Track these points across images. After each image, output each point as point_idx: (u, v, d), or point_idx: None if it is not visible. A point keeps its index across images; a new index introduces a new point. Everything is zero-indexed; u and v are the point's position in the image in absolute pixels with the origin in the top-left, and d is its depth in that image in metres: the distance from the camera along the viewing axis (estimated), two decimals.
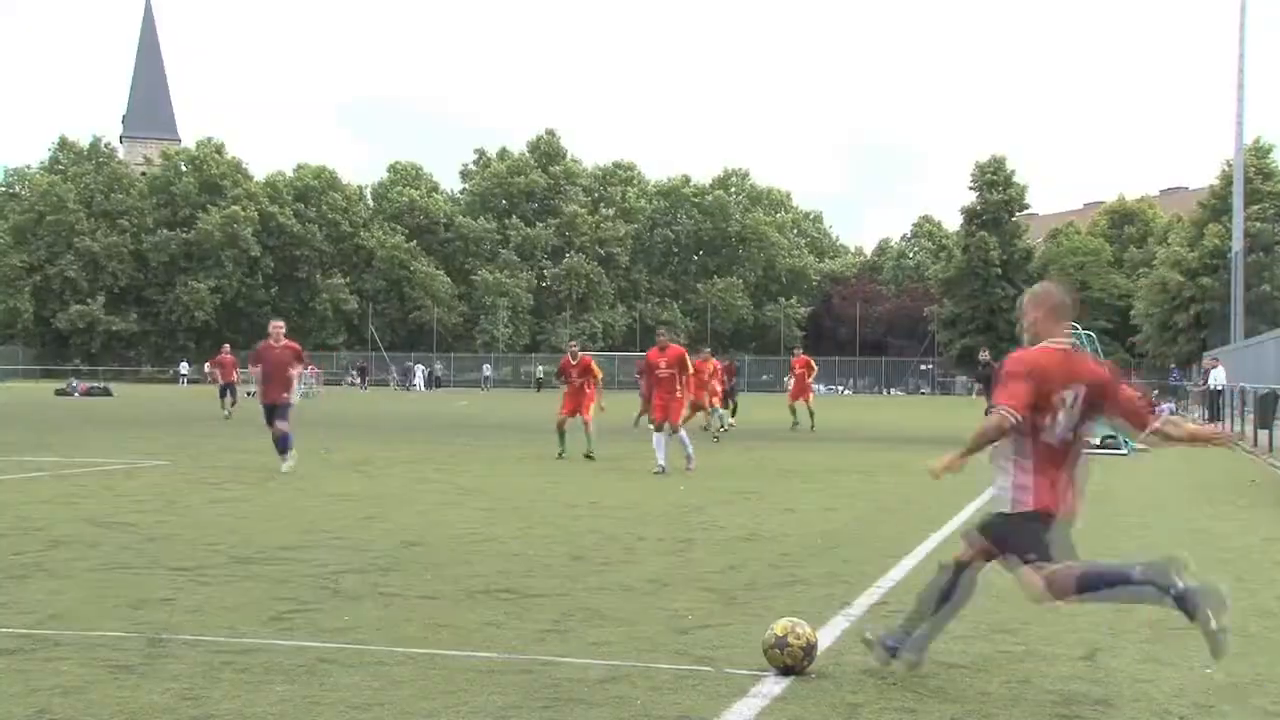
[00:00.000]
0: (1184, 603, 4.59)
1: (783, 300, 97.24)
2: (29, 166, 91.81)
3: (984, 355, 27.11)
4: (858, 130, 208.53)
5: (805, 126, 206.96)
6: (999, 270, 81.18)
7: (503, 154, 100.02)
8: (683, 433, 15.94)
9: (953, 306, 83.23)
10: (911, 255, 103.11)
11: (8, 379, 73.63)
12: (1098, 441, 20.97)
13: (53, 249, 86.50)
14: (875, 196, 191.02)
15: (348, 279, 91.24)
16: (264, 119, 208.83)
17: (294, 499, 11.88)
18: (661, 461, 15.20)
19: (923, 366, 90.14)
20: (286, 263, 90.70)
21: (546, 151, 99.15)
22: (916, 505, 12.30)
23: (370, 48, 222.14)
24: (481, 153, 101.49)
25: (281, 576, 7.38)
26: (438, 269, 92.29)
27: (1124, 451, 19.96)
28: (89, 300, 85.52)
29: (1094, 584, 4.87)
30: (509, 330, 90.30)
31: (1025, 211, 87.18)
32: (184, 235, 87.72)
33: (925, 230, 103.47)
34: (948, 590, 5.19)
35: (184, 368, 78.18)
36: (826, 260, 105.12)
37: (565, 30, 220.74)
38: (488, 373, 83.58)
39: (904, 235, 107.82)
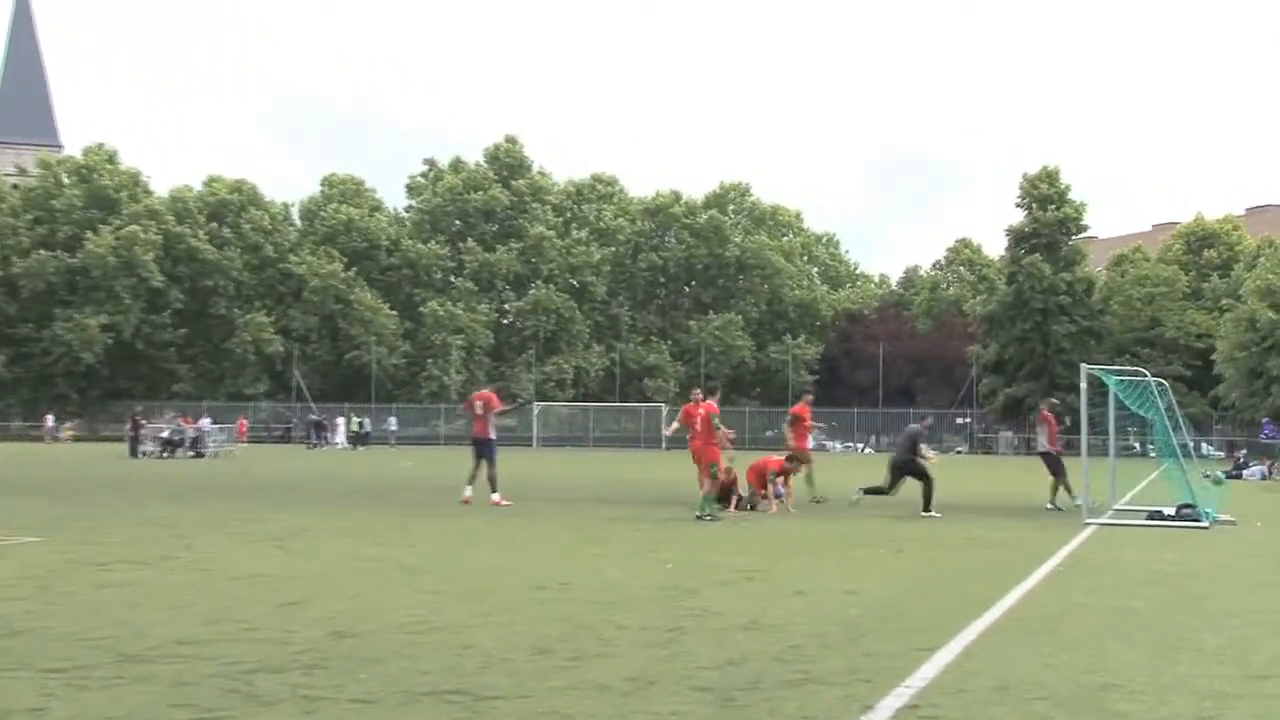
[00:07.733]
0: None
1: (789, 339, 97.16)
2: None
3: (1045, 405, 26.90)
4: (882, 143, 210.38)
5: (818, 137, 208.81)
6: (1060, 300, 79.91)
7: (456, 165, 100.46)
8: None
9: (997, 348, 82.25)
10: (946, 286, 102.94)
11: None
12: (1172, 511, 21.06)
13: None
14: (901, 218, 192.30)
15: (271, 315, 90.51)
16: (166, 125, 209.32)
17: (199, 581, 11.79)
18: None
19: (959, 420, 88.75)
20: (197, 295, 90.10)
21: (508, 163, 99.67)
22: (954, 585, 12.25)
23: (297, 41, 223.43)
24: (432, 164, 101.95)
25: (180, 678, 7.33)
26: (380, 301, 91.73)
27: (1205, 524, 20.02)
28: None
29: None
30: (462, 376, 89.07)
31: (1083, 234, 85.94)
32: (67, 259, 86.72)
33: (963, 256, 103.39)
34: None
35: (50, 421, 78.19)
36: (843, 291, 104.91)
37: (531, 22, 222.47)
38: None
39: (936, 262, 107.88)
